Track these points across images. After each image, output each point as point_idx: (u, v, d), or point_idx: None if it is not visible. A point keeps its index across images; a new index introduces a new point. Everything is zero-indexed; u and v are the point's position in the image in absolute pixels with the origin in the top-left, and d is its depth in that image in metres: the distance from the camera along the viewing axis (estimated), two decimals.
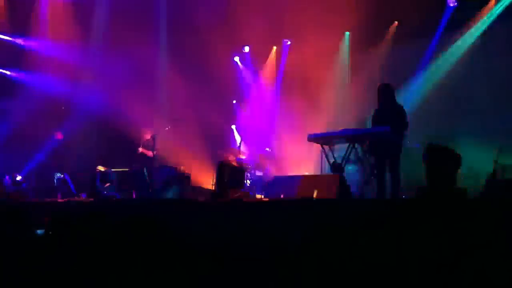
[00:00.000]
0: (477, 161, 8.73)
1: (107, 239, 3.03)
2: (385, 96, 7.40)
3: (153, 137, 9.98)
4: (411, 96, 10.99)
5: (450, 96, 10.59)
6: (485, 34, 10.78)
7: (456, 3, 11.13)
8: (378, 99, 7.50)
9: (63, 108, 12.19)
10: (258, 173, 11.11)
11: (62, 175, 8.66)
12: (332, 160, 7.63)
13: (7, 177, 9.55)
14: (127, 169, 9.50)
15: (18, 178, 9.77)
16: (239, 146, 11.50)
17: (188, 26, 12.26)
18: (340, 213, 4.90)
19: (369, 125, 7.62)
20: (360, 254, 4.27)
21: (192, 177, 11.29)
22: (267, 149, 11.78)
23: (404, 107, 7.47)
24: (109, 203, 7.33)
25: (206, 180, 11.92)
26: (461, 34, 11.09)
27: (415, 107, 10.39)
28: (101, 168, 8.83)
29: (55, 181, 9.02)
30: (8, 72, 12.02)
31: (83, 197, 8.42)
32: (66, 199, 8.40)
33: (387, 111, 7.32)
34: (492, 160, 7.79)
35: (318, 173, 9.91)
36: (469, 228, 3.96)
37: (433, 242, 4.00)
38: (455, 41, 11.14)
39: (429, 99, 10.80)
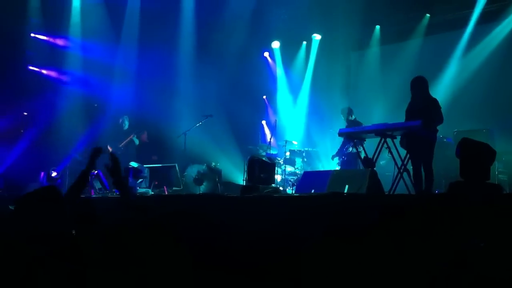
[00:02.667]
0: None
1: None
2: (417, 89, 7.31)
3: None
4: (444, 89, 10.82)
5: (484, 89, 10.39)
6: None
7: None
8: (411, 92, 7.42)
9: (96, 105, 12.39)
10: (289, 168, 11.11)
11: (96, 171, 8.80)
12: (363, 155, 7.61)
13: (42, 173, 9.76)
14: (159, 165, 9.62)
15: (54, 174, 9.97)
16: (270, 142, 11.52)
17: (217, 21, 12.31)
18: (371, 209, 4.87)
19: (402, 118, 7.52)
20: (393, 250, 4.25)
21: (224, 172, 11.40)
22: (295, 142, 11.77)
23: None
24: (145, 199, 7.44)
25: (237, 175, 11.99)
26: (495, 25, 10.85)
27: (448, 101, 10.24)
28: (133, 164, 8.95)
29: (89, 177, 9.15)
30: (44, 71, 12.27)
31: (116, 193, 8.57)
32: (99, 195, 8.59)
33: (420, 104, 7.23)
34: None
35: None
36: (504, 223, 3.90)
37: (467, 237, 3.95)
38: (489, 33, 10.91)
39: (462, 93, 10.62)
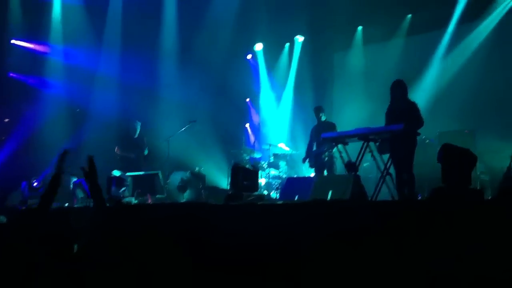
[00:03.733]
0: (494, 157, 8.62)
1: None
2: (396, 93, 7.34)
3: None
4: (427, 89, 10.87)
5: (466, 89, 10.44)
6: (500, 26, 10.60)
7: None
8: (391, 95, 7.44)
9: (78, 110, 12.26)
10: (273, 172, 11.09)
11: (79, 181, 8.70)
12: (346, 160, 7.60)
13: (24, 183, 9.62)
14: (142, 173, 9.54)
15: (35, 184, 9.84)
16: (253, 145, 11.49)
17: (199, 25, 12.26)
18: (354, 215, 4.86)
19: (383, 122, 7.54)
20: (374, 257, 4.24)
21: (208, 177, 11.33)
22: (281, 145, 11.74)
23: (418, 102, 7.40)
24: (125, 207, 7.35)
25: (221, 179, 11.94)
26: (476, 26, 10.92)
27: (431, 101, 10.28)
28: (116, 172, 8.86)
29: (71, 186, 9.05)
30: (25, 78, 12.12)
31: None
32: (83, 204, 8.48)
33: (400, 107, 7.25)
34: (510, 156, 7.67)
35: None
36: (484, 229, 3.91)
37: (449, 244, 3.96)
38: (470, 33, 10.97)
39: (445, 93, 10.67)
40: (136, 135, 10.47)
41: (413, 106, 7.22)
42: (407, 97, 7.36)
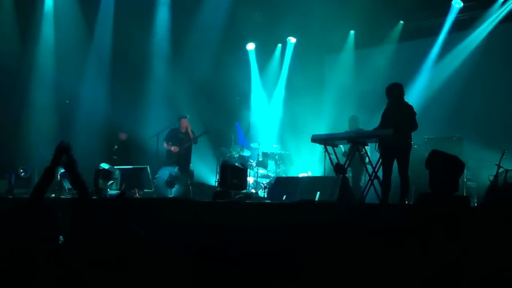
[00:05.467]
0: (480, 164, 8.73)
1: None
2: (392, 95, 7.35)
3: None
4: (416, 95, 10.94)
5: (455, 97, 10.53)
6: (491, 35, 10.72)
7: (461, 4, 11.06)
8: (387, 98, 7.43)
9: (67, 102, 12.18)
10: (261, 171, 11.12)
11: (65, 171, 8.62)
12: (335, 161, 7.64)
13: (10, 172, 9.54)
14: (131, 167, 9.51)
15: (22, 173, 9.78)
16: (243, 143, 11.51)
17: (191, 23, 12.25)
18: (341, 218, 4.90)
19: (375, 123, 7.56)
20: (360, 260, 4.29)
21: (196, 173, 11.34)
22: (275, 146, 11.78)
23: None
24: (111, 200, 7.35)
25: (210, 176, 11.94)
26: (467, 35, 11.03)
27: (419, 107, 10.34)
28: (104, 165, 8.81)
29: (58, 176, 8.99)
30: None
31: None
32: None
33: (395, 110, 7.26)
34: (495, 164, 7.78)
35: (321, 173, 9.91)
36: (471, 235, 3.97)
37: (435, 250, 4.02)
38: (460, 42, 11.08)
39: (434, 100, 10.74)
40: (184, 130, 10.50)
41: (410, 109, 7.23)
42: (403, 100, 7.37)
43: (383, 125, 7.33)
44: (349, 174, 8.18)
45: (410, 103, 7.44)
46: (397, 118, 7.11)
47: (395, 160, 7.12)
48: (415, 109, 7.31)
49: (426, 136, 9.45)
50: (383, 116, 7.44)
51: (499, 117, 10.27)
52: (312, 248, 4.56)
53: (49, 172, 3.84)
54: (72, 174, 3.80)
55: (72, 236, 3.53)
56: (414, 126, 7.17)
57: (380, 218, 4.68)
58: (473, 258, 3.86)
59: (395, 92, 7.34)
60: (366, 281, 4.19)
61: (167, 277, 4.44)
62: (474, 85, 10.54)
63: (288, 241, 4.73)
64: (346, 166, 7.35)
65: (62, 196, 8.52)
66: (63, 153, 3.86)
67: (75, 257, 2.86)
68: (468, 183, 8.79)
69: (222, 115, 12.59)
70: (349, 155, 7.59)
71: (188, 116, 10.61)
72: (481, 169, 8.68)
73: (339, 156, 7.91)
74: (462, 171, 4.97)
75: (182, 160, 10.22)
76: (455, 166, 4.97)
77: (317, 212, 5.19)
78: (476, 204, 7.83)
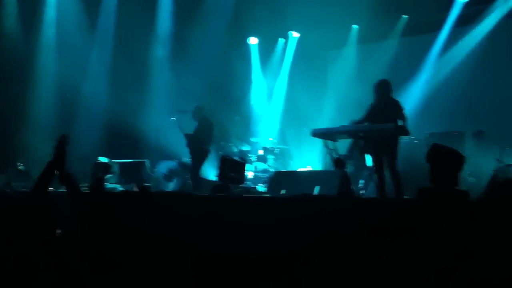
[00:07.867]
0: (481, 160, 8.65)
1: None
2: (379, 92, 7.23)
3: None
4: (418, 90, 10.89)
5: (457, 92, 10.49)
6: (493, 31, 10.64)
7: None
8: (375, 94, 7.31)
9: (68, 96, 12.14)
10: (261, 165, 11.07)
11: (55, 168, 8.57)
12: (335, 156, 7.58)
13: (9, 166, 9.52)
14: (129, 161, 9.46)
15: (20, 167, 9.76)
16: (243, 138, 11.47)
17: (194, 16, 12.19)
18: (341, 212, 4.85)
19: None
20: (359, 254, 4.24)
21: None
22: (271, 139, 11.71)
23: (408, 103, 7.35)
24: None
25: (209, 170, 11.87)
26: (471, 29, 10.95)
27: (421, 102, 10.30)
28: (102, 158, 8.77)
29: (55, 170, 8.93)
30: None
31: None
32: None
33: (381, 106, 7.16)
34: (496, 159, 7.72)
35: (321, 167, 9.87)
36: (470, 229, 3.92)
37: (435, 244, 3.96)
38: (464, 36, 11.01)
39: (436, 95, 10.70)
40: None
41: (396, 104, 7.11)
42: (389, 96, 7.22)
43: (370, 120, 7.25)
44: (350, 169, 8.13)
45: (412, 97, 7.37)
46: (385, 112, 7.03)
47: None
48: (417, 104, 7.24)
49: (428, 131, 9.40)
50: (370, 111, 7.30)
51: (502, 112, 10.20)
52: (311, 242, 4.52)
53: (52, 166, 3.79)
54: (58, 168, 3.75)
55: (69, 229, 3.50)
56: (404, 119, 7.01)
57: (379, 212, 4.63)
58: (473, 253, 3.81)
59: (381, 88, 7.21)
60: (366, 274, 4.15)
61: (166, 272, 4.41)
62: (477, 81, 10.48)
63: (287, 236, 4.69)
64: (345, 161, 7.30)
65: (59, 190, 8.47)
66: (64, 146, 3.82)
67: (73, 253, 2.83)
68: (469, 178, 8.71)
69: (223, 109, 12.53)
70: (348, 149, 7.53)
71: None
72: (482, 164, 8.60)
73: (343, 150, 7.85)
74: (463, 165, 4.88)
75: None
76: (455, 160, 4.90)
77: (317, 206, 5.14)
78: (476, 199, 7.75)
